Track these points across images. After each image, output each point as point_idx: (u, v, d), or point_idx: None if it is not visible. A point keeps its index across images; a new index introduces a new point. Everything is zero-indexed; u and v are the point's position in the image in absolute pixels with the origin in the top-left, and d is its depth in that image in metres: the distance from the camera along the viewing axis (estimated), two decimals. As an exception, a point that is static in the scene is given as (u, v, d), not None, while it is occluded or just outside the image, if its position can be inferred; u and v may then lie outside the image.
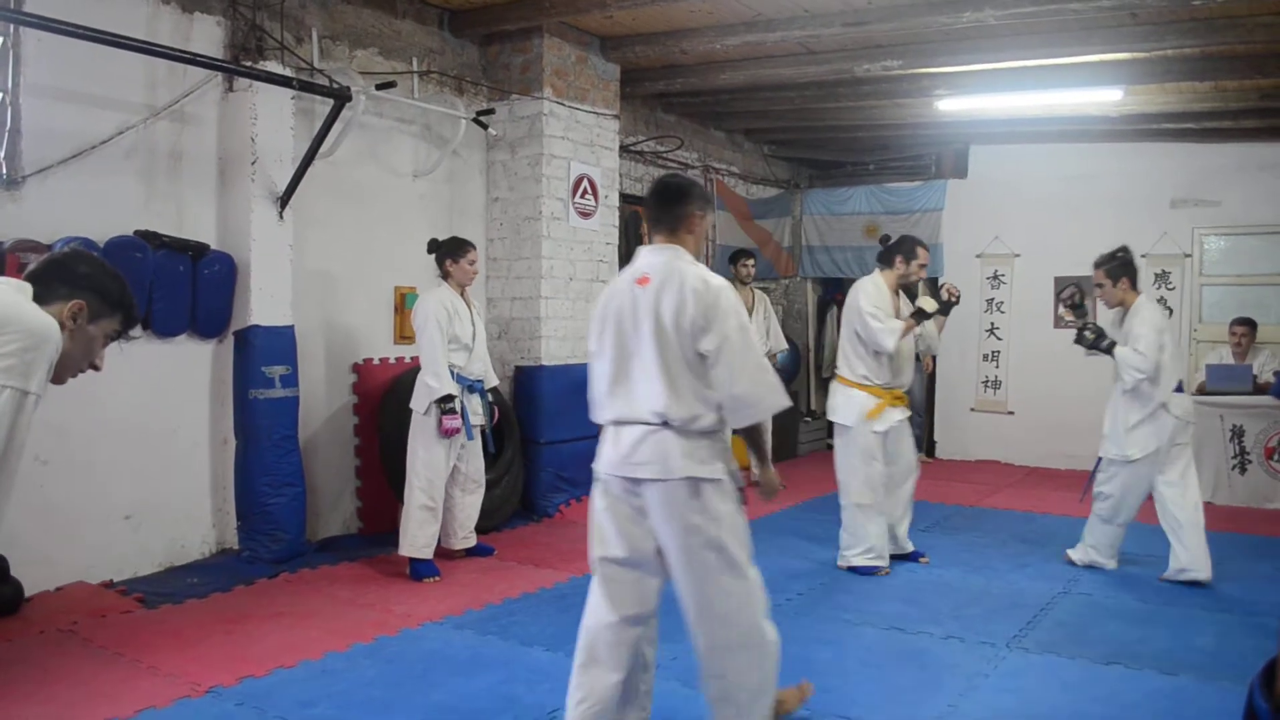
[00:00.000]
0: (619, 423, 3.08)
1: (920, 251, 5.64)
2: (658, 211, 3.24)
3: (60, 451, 4.87)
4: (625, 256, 8.33)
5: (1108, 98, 7.52)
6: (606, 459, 3.11)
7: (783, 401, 3.07)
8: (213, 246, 5.46)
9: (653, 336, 3.01)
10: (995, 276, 9.81)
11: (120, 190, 5.13)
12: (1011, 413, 9.67)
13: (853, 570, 5.57)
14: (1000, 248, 9.74)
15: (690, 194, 3.28)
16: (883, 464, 5.57)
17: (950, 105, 8.08)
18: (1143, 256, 8.92)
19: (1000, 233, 9.67)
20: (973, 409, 9.90)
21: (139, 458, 5.22)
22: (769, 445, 3.18)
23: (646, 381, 3.01)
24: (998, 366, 9.78)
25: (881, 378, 5.54)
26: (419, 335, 5.49)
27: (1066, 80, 7.16)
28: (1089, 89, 7.26)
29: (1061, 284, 9.40)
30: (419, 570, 5.37)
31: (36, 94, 4.78)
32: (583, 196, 7.28)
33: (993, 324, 9.78)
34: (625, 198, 8.23)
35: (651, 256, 3.18)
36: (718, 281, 3.07)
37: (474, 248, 5.69)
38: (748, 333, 3.03)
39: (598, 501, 3.15)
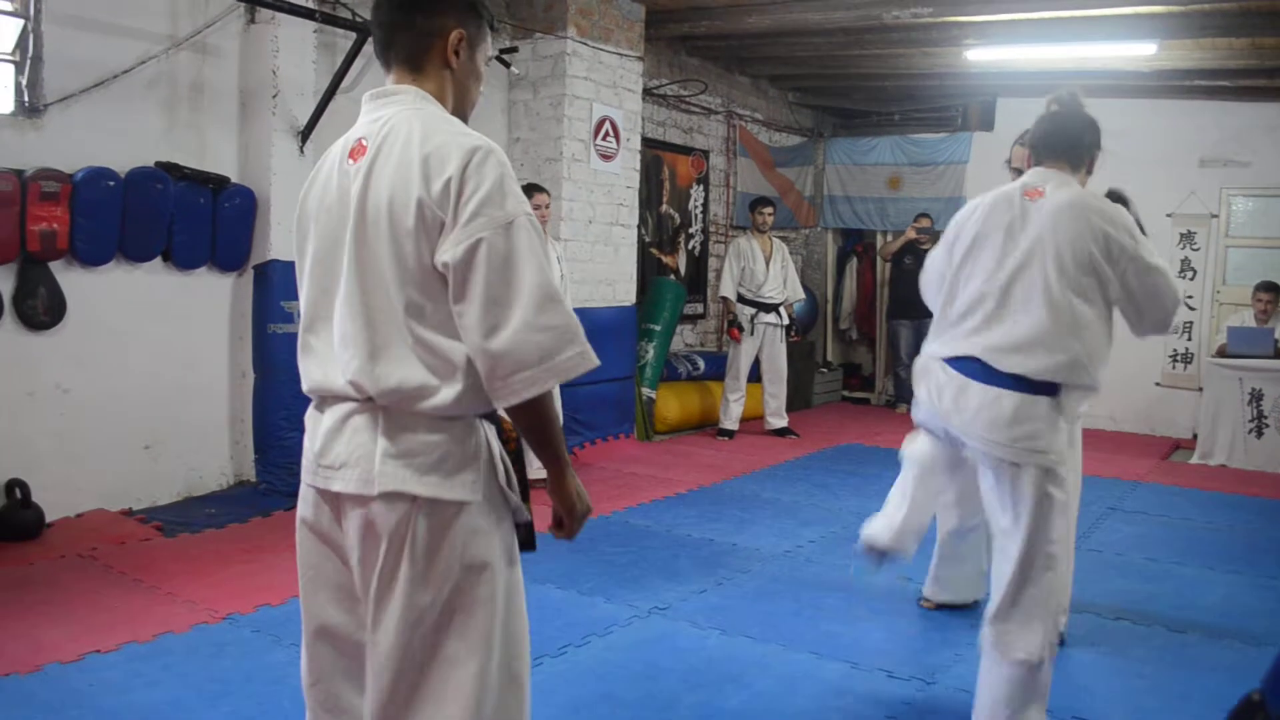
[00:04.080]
0: (319, 394, 1.88)
1: None
2: (387, 30, 1.90)
3: (81, 380, 4.92)
4: (645, 202, 8.31)
5: (1141, 52, 7.38)
6: (305, 453, 1.90)
7: (582, 360, 1.74)
8: (233, 180, 5.45)
9: (353, 246, 1.78)
10: (1018, 232, 9.69)
11: (141, 121, 5.11)
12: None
13: None
14: (1024, 203, 9.62)
15: None
16: None
17: (979, 55, 7.95)
18: (1168, 216, 8.84)
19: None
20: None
21: (159, 388, 5.27)
22: (561, 440, 1.85)
23: (343, 325, 1.79)
24: (1016, 323, 9.71)
25: None
26: None
27: (1099, 33, 7.03)
28: (1122, 43, 7.13)
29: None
30: None
31: (58, 22, 4.75)
32: (604, 139, 7.23)
33: (1013, 280, 9.68)
34: (647, 142, 8.17)
35: (374, 109, 1.88)
36: (472, 140, 1.74)
37: (543, 191, 5.91)
38: (530, 236, 1.72)
39: (299, 515, 1.94)
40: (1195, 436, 8.21)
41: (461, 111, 1.94)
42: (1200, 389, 8.30)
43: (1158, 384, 8.98)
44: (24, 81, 4.71)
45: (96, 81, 4.88)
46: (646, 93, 8.08)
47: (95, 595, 4.00)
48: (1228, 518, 6.04)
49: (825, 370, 10.62)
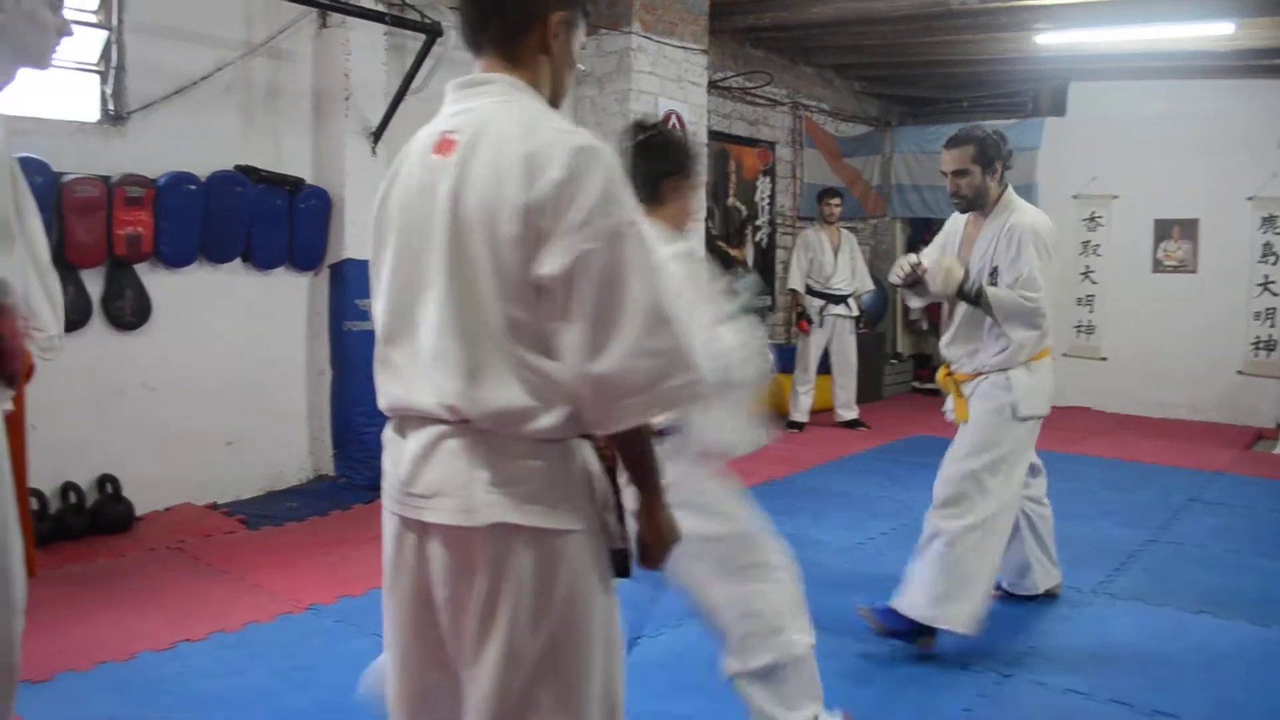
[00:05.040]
0: (399, 414, 1.75)
1: None
2: (479, 10, 1.74)
3: (166, 379, 5.08)
4: (712, 195, 8.30)
5: (1218, 32, 7.19)
6: (386, 478, 1.78)
7: (691, 390, 1.61)
8: (308, 181, 5.58)
9: (446, 253, 1.62)
10: (1092, 218, 9.52)
11: (220, 125, 5.26)
12: (1104, 359, 9.45)
13: None
14: (1098, 189, 9.44)
15: None
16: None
17: (1049, 39, 7.80)
18: (1249, 199, 8.61)
19: (1099, 173, 9.36)
20: (1064, 354, 9.67)
21: (240, 386, 5.41)
22: (659, 468, 1.74)
23: (434, 340, 1.64)
24: (1092, 311, 9.54)
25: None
26: None
27: (1174, 13, 6.86)
28: (1199, 23, 6.95)
29: (1162, 226, 9.10)
30: None
31: (139, 31, 4.91)
32: (670, 133, 7.23)
33: (1087, 267, 9.52)
34: (713, 134, 8.17)
35: (461, 100, 1.74)
36: (578, 139, 1.59)
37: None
38: (639, 248, 1.58)
39: (385, 546, 1.79)
40: (1278, 425, 8.00)
41: (556, 102, 1.79)
42: (1284, 376, 8.09)
43: (1240, 372, 8.75)
44: (108, 90, 4.87)
45: (176, 89, 5.03)
46: (711, 85, 8.07)
47: (184, 586, 4.13)
48: (1315, 508, 5.88)
49: (895, 361, 10.53)
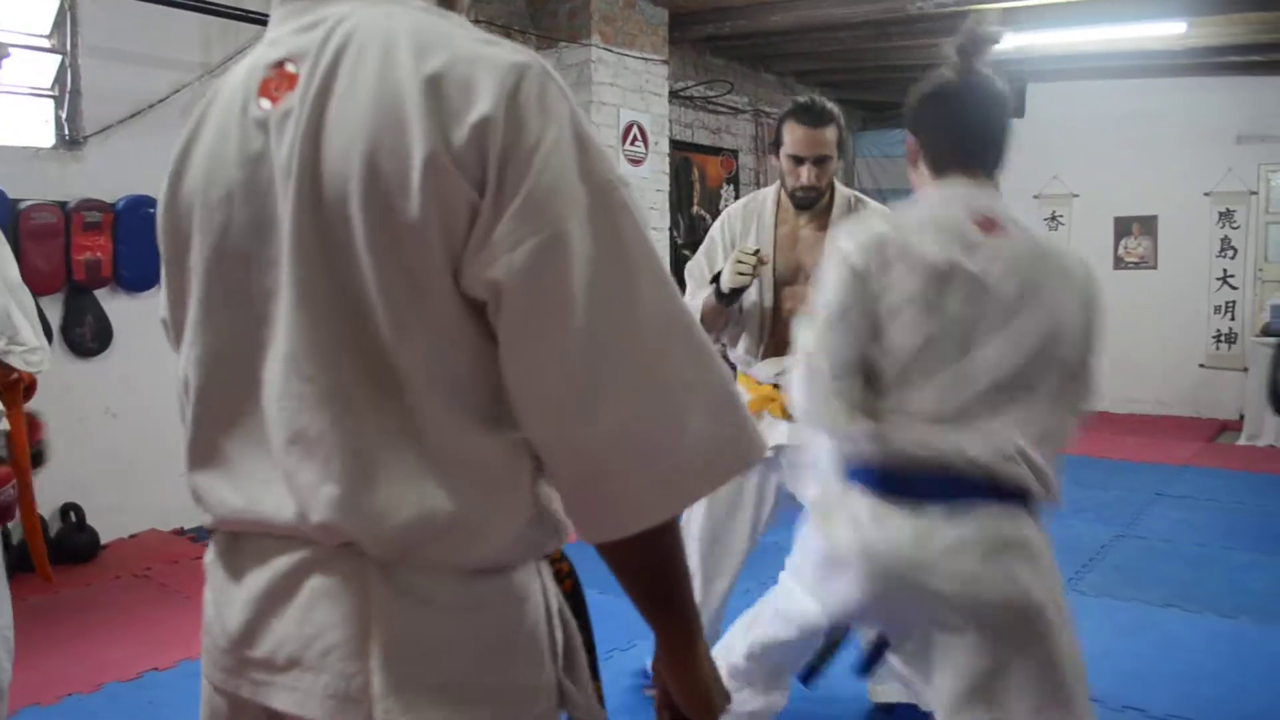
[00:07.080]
0: (230, 531, 1.06)
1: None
2: None
3: (129, 404, 5.03)
4: (676, 204, 8.32)
5: (1170, 31, 7.30)
6: (205, 631, 1.08)
7: (752, 447, 0.97)
8: (269, 201, 5.54)
9: (297, 264, 0.93)
10: (1053, 217, 9.62)
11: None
12: (1069, 356, 9.53)
13: None
14: (1058, 188, 9.54)
15: None
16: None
17: (1005, 42, 7.88)
18: (1206, 195, 8.74)
19: (1058, 173, 9.47)
20: (1029, 352, 9.77)
21: (204, 409, 5.36)
22: (692, 598, 1.03)
23: (290, 414, 0.95)
24: (1055, 309, 9.62)
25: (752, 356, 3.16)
26: None
27: (1127, 13, 6.95)
28: (1151, 22, 7.05)
29: (1122, 224, 9.22)
30: None
31: (94, 55, 4.86)
32: (633, 144, 7.26)
33: (1050, 266, 9.61)
34: (675, 144, 8.19)
35: (304, 9, 1.01)
36: (510, 53, 0.92)
37: None
38: (636, 223, 0.93)
39: None
40: (1242, 417, 8.11)
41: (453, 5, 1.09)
42: (1245, 369, 8.19)
43: (1201, 365, 8.87)
44: (64, 115, 4.82)
45: (133, 112, 4.99)
46: (673, 95, 8.09)
47: (151, 614, 4.09)
48: (1278, 500, 5.95)
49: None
